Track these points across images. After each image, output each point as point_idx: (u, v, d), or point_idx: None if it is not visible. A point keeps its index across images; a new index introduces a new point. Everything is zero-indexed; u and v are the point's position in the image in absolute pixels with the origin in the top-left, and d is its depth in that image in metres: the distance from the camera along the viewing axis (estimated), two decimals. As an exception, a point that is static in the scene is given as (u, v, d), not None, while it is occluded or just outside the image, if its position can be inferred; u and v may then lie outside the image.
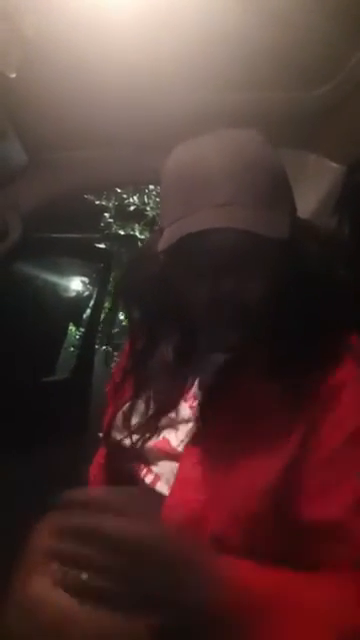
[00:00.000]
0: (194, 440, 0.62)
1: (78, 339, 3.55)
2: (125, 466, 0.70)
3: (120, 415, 0.71)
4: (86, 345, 2.50)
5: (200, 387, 0.67)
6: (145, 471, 0.66)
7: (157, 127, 1.04)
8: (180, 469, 0.61)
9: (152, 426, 0.67)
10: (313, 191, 1.17)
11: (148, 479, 0.65)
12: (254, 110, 0.98)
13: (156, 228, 0.71)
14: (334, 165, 1.15)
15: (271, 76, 0.87)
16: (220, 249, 0.57)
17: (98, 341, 3.58)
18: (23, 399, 1.96)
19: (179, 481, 0.60)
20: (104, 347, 4.14)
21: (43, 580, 0.59)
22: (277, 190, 0.59)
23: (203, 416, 0.62)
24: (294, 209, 0.63)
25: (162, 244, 0.58)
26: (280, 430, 0.56)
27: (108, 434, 0.72)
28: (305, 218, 0.69)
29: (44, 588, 0.57)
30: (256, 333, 0.61)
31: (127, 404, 0.71)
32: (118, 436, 0.70)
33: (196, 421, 0.63)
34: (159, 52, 0.81)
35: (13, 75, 0.74)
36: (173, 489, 0.60)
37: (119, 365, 0.80)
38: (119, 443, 0.70)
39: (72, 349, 3.51)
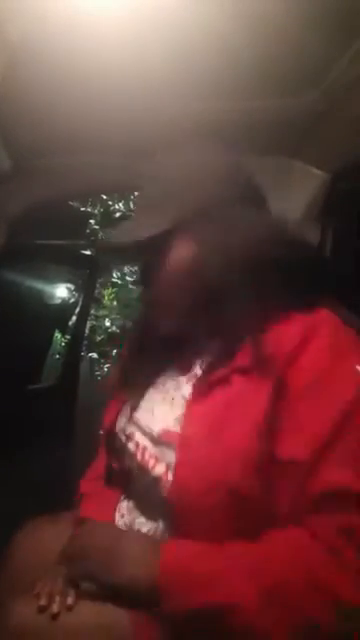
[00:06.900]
0: (194, 405, 0.65)
1: (64, 346, 3.52)
2: (119, 458, 0.75)
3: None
4: (72, 352, 2.48)
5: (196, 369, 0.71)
6: (143, 455, 0.68)
7: (143, 134, 1.04)
8: (184, 428, 0.64)
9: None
10: (298, 198, 1.18)
11: (152, 466, 0.67)
12: (242, 118, 0.99)
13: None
14: (319, 172, 1.16)
15: (258, 84, 0.88)
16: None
17: (84, 348, 3.55)
18: (8, 406, 1.94)
19: (185, 439, 0.63)
20: (90, 354, 4.09)
21: (28, 607, 0.63)
22: (165, 193, 0.66)
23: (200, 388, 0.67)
24: (196, 203, 0.65)
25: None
26: (256, 389, 0.60)
27: (110, 430, 0.77)
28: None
29: (29, 616, 0.62)
30: (192, 318, 0.69)
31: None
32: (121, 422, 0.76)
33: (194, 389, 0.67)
34: (146, 59, 0.81)
35: (-3, 80, 0.74)
36: (181, 445, 0.63)
37: (118, 367, 0.87)
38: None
39: (57, 356, 3.48)
